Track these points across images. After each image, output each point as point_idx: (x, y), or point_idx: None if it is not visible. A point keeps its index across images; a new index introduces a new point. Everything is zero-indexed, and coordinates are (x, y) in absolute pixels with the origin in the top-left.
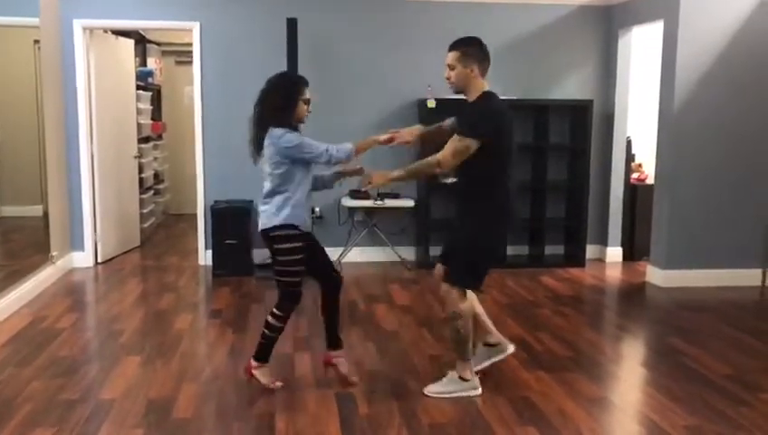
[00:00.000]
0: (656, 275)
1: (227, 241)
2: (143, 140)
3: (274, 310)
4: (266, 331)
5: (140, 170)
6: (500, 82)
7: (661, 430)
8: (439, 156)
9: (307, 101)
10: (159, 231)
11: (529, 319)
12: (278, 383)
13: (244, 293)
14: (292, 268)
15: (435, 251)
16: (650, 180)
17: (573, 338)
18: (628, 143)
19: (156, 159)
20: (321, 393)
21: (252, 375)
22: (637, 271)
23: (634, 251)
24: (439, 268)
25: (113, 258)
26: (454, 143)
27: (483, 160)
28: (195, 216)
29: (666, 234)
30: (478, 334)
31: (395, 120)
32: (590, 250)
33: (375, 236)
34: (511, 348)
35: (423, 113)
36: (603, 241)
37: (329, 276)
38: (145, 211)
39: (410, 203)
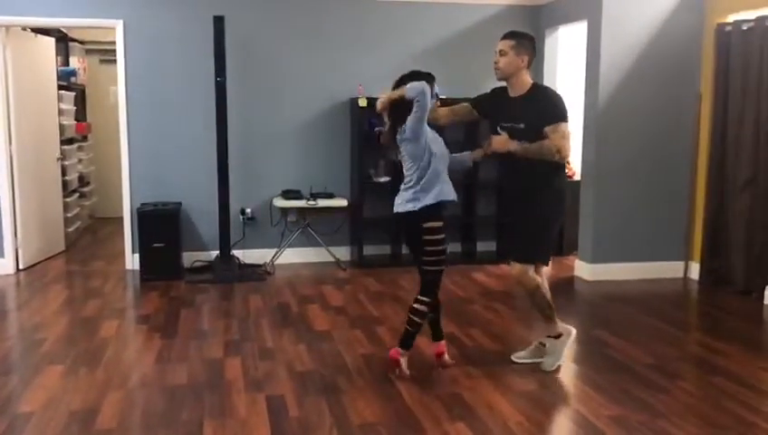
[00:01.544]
0: (583, 270)
1: (155, 244)
2: (67, 141)
3: (421, 297)
4: (416, 318)
5: (64, 173)
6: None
7: (586, 421)
8: (557, 144)
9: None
10: (85, 235)
11: (460, 315)
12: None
13: (172, 297)
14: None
15: (369, 250)
16: (577, 177)
17: (503, 333)
18: None
19: (81, 160)
20: (251, 397)
21: (397, 364)
22: (565, 265)
23: (563, 246)
24: (513, 265)
25: (36, 264)
26: (562, 131)
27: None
28: (122, 219)
29: (592, 229)
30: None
31: (326, 120)
32: None
33: (309, 237)
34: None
35: (355, 112)
36: None
37: None
38: (70, 215)
39: (343, 203)
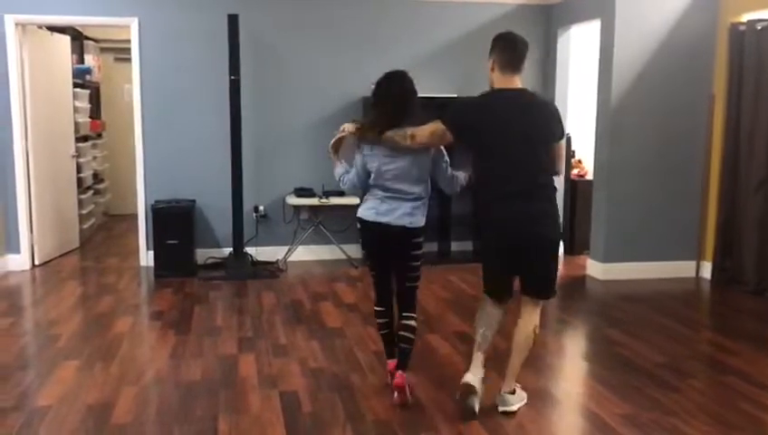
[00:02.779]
0: (595, 269)
1: (169, 241)
2: (81, 139)
3: (411, 314)
4: (413, 335)
5: (79, 170)
6: (441, 80)
7: (598, 419)
8: (417, 130)
9: None
10: (99, 232)
11: (472, 313)
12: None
13: (186, 294)
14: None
15: None
16: (590, 176)
17: (515, 331)
18: (568, 140)
19: (95, 158)
20: (265, 394)
21: (410, 388)
22: (577, 265)
23: (575, 245)
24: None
25: (51, 261)
26: (431, 127)
27: (474, 159)
28: (136, 216)
29: (604, 228)
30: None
31: (339, 118)
32: None
33: (321, 235)
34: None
35: (368, 111)
36: None
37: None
38: (84, 212)
39: (356, 201)
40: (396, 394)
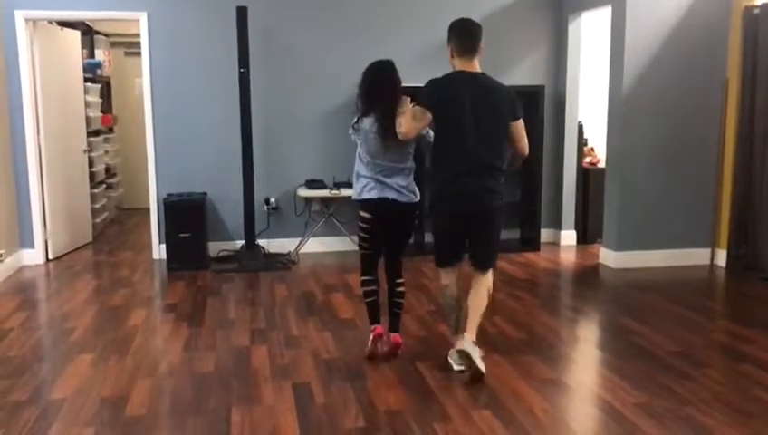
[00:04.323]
0: (608, 257)
1: (181, 234)
2: (93, 133)
3: (401, 280)
4: (403, 300)
5: (91, 164)
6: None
7: (612, 408)
8: (400, 119)
9: None
10: (112, 226)
11: None
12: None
13: (199, 286)
14: None
15: None
16: (602, 164)
17: (527, 321)
18: (580, 128)
19: (107, 152)
20: (278, 385)
21: (400, 348)
22: (590, 253)
23: (587, 234)
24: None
25: (65, 255)
26: (411, 107)
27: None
28: (148, 210)
29: (617, 216)
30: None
31: (348, 110)
32: (545, 234)
33: (332, 226)
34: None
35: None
36: (557, 225)
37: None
38: (97, 206)
39: None
40: (385, 348)
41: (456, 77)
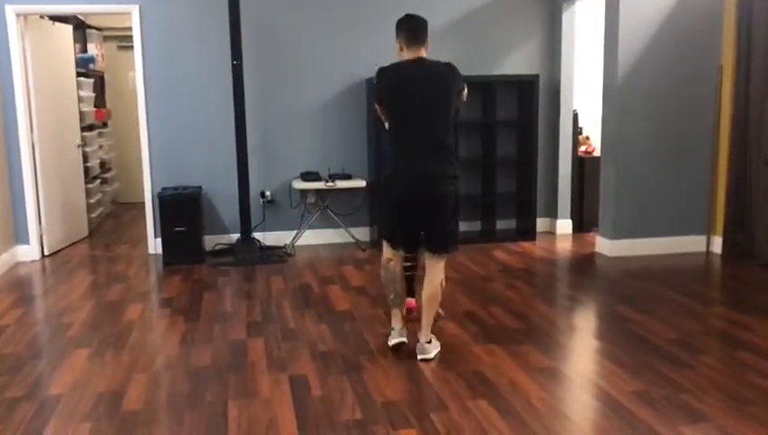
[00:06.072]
0: (604, 246)
1: (177, 229)
2: (87, 128)
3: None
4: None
5: (85, 159)
6: (447, 59)
7: (609, 396)
8: None
9: None
10: (108, 221)
11: (481, 293)
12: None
13: (195, 280)
14: None
15: None
16: (598, 153)
17: (524, 310)
18: (575, 116)
19: (101, 147)
20: (275, 378)
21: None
22: (586, 242)
23: (583, 223)
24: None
25: (60, 250)
26: None
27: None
28: (144, 204)
29: (612, 205)
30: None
31: (343, 101)
32: (541, 223)
33: (328, 218)
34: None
35: (371, 93)
36: (553, 214)
37: None
38: (92, 201)
39: (362, 183)
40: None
41: (403, 63)
